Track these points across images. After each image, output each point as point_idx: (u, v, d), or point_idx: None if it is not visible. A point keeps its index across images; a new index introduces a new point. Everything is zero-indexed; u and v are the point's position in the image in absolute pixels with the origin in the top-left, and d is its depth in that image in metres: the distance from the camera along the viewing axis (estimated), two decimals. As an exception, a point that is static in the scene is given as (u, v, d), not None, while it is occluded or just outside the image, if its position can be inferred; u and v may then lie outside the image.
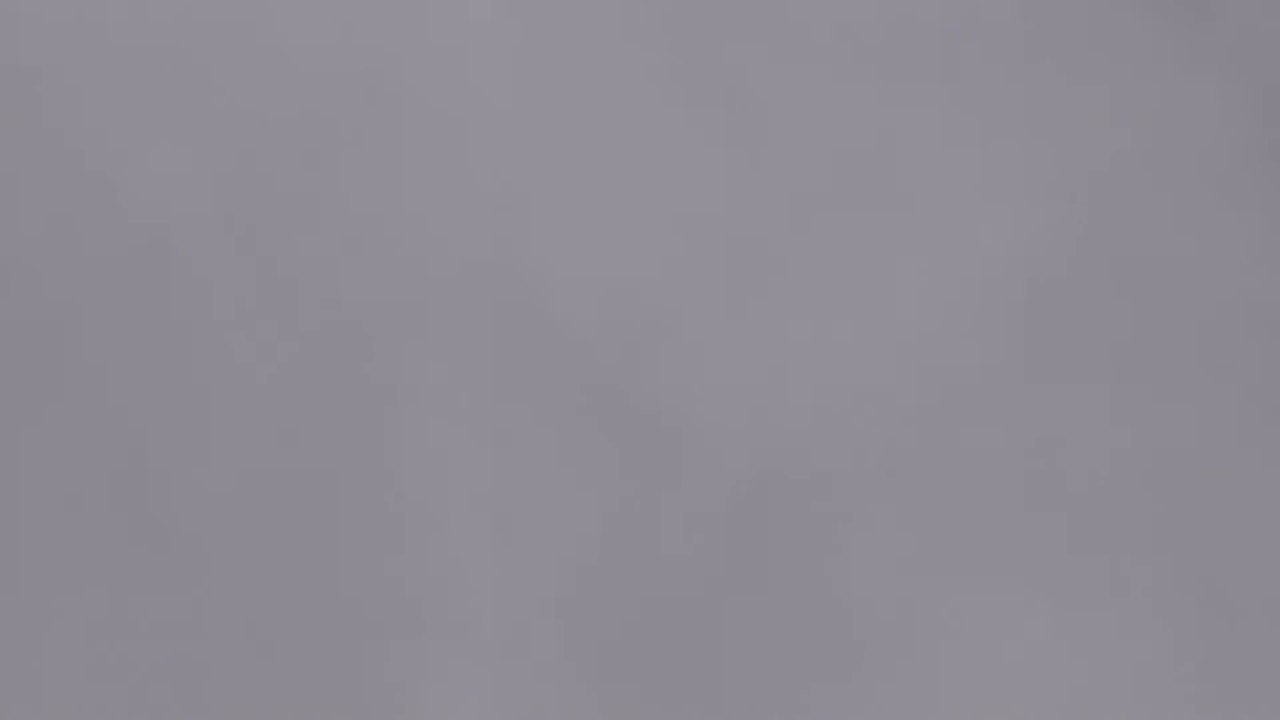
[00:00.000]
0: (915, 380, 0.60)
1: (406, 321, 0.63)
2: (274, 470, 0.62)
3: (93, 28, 0.64)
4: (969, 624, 0.57)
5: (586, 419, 0.62)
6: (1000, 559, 0.58)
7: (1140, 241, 0.62)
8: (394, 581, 0.60)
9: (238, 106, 0.64)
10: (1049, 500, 0.59)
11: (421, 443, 0.61)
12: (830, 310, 0.61)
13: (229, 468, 0.61)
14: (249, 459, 0.62)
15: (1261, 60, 0.63)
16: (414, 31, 0.65)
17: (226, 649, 0.61)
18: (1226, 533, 0.59)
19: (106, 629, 0.61)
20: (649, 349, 0.62)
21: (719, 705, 0.59)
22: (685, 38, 0.64)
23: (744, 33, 0.64)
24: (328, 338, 0.62)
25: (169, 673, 0.61)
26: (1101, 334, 0.61)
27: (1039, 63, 0.63)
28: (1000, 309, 0.61)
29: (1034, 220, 0.62)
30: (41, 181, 0.63)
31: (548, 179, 0.63)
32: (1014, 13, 0.63)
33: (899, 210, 0.62)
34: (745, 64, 0.63)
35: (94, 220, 0.63)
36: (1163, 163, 0.63)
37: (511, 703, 0.60)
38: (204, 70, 0.64)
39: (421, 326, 0.63)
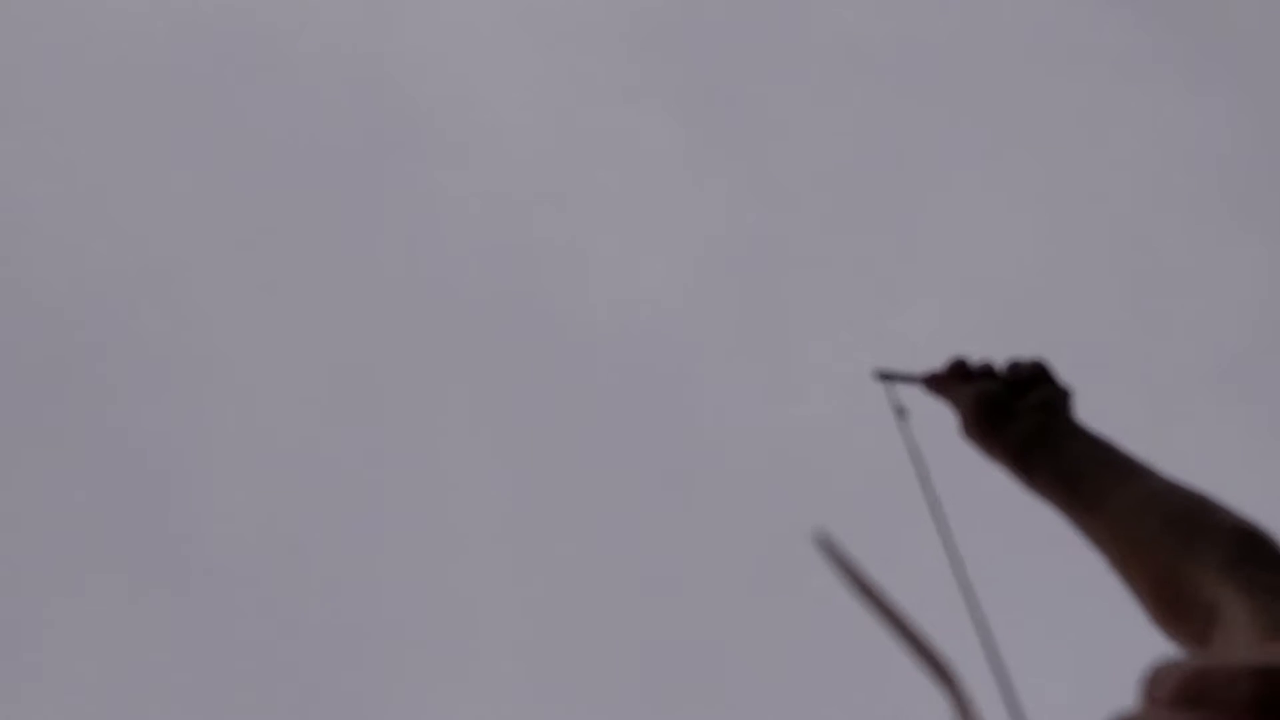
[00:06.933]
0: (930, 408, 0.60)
1: (426, 349, 0.62)
2: (287, 497, 0.61)
3: (98, 51, 0.63)
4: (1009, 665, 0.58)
5: (605, 455, 0.62)
6: (1029, 593, 0.58)
7: (1149, 253, 0.62)
8: (406, 609, 0.60)
9: (251, 133, 0.63)
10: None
11: (439, 474, 0.61)
12: (846, 339, 0.61)
13: (241, 496, 0.61)
14: (262, 485, 0.61)
15: (1271, 72, 0.62)
16: (429, 57, 0.64)
17: (237, 677, 0.61)
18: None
19: (116, 653, 0.61)
20: (672, 382, 0.61)
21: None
22: (695, 62, 0.63)
23: (753, 59, 0.63)
24: (344, 363, 0.62)
25: (177, 697, 0.61)
26: (1110, 344, 0.62)
27: (1048, 76, 0.62)
28: (1011, 325, 0.61)
29: (1042, 233, 0.62)
30: (45, 207, 0.62)
31: (560, 207, 0.63)
32: (1023, 28, 0.62)
33: (906, 228, 0.61)
34: (755, 86, 0.62)
35: (103, 244, 0.62)
36: (1172, 174, 0.62)
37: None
38: (215, 96, 0.63)
39: (442, 355, 0.62)
